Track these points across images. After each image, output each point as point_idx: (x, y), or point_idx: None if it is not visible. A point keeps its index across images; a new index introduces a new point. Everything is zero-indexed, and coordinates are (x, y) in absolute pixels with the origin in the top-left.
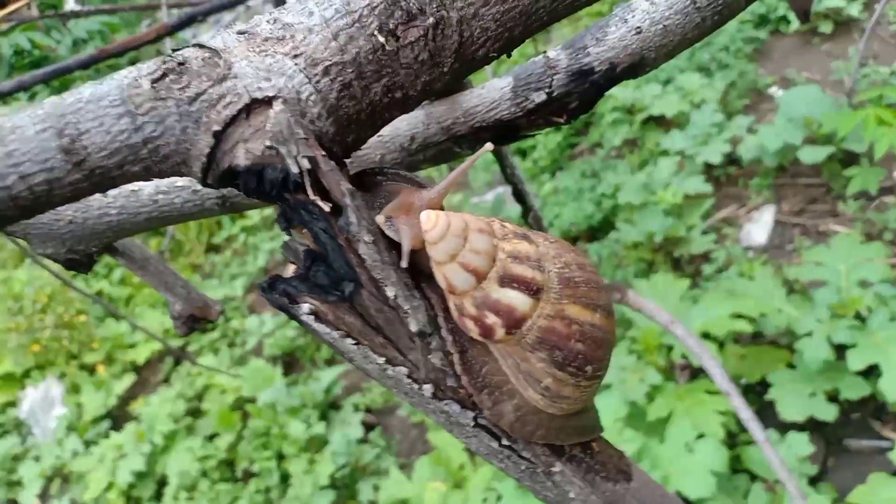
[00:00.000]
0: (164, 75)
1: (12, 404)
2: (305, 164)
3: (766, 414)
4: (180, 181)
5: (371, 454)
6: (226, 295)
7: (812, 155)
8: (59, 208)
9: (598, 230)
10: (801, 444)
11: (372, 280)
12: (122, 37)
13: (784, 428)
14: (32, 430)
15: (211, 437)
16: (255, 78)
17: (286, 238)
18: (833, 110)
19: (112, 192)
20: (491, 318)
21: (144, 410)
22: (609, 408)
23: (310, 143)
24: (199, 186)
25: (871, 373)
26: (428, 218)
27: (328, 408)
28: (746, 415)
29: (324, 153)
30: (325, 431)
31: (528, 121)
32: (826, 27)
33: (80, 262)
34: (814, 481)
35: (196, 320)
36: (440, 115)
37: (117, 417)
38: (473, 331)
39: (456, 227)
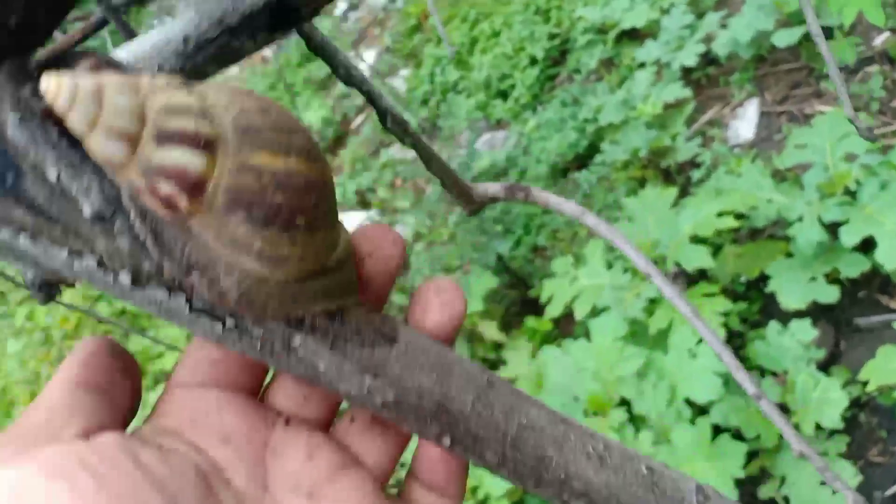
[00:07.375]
0: None
1: None
2: None
3: (771, 308)
4: None
5: None
6: None
7: (786, 37)
8: None
9: (586, 157)
10: (804, 329)
11: (34, 165)
12: None
13: (790, 319)
14: None
15: None
16: None
17: None
18: None
19: None
20: (165, 186)
21: None
22: (608, 328)
23: None
24: None
25: (869, 248)
26: (47, 85)
27: None
28: (686, 310)
29: None
30: None
31: None
32: None
33: None
34: (826, 366)
35: (52, 286)
36: (210, 9)
37: None
38: (158, 207)
39: (85, 89)
